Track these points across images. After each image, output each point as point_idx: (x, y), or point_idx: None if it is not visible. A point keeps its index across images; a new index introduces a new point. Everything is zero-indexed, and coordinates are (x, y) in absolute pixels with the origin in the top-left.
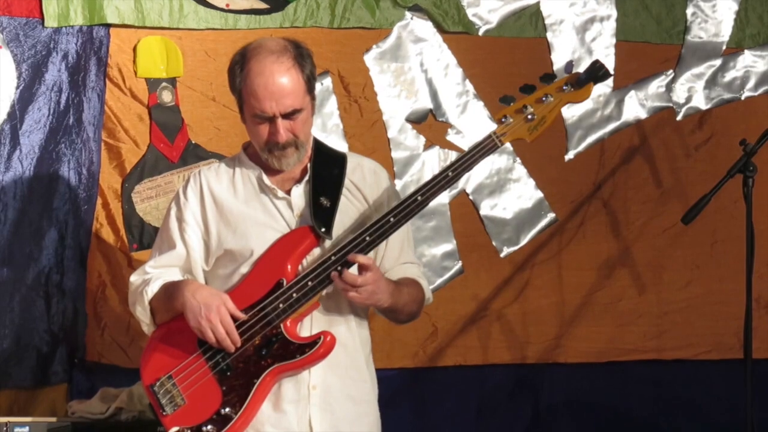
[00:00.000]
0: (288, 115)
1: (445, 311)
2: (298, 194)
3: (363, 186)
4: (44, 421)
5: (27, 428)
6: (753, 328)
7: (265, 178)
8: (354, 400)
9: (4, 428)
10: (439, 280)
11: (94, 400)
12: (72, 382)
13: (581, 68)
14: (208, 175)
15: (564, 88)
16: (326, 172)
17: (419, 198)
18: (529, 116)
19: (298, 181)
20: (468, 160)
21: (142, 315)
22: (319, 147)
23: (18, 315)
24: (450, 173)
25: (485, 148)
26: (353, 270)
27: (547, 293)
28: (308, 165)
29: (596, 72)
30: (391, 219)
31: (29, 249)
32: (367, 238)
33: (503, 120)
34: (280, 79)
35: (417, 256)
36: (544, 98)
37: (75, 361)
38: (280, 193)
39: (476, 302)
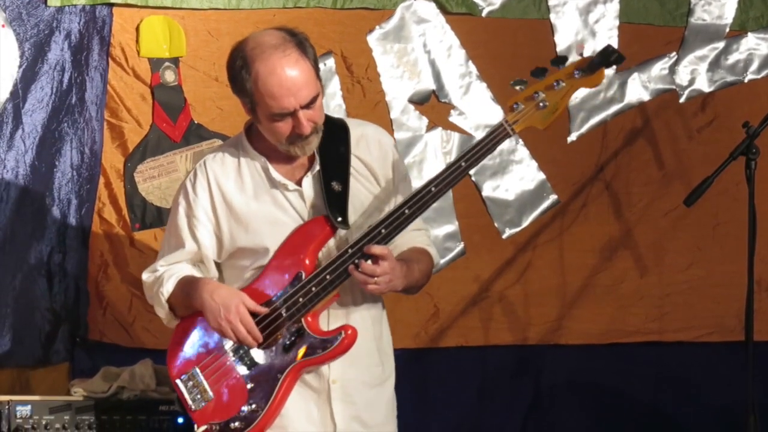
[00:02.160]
0: (307, 105)
1: (447, 292)
2: (309, 184)
3: (370, 161)
4: (46, 399)
5: (29, 407)
6: (754, 311)
7: (272, 171)
8: (369, 385)
9: (7, 407)
10: (441, 261)
11: (96, 379)
12: (74, 361)
13: (586, 51)
14: (215, 168)
15: (575, 73)
16: (333, 152)
17: (433, 189)
18: (541, 104)
19: (308, 168)
20: (481, 149)
21: (162, 313)
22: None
23: (20, 294)
24: (463, 163)
25: (498, 136)
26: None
27: (549, 275)
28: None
29: (608, 57)
30: (406, 211)
31: (31, 228)
32: (383, 231)
33: (515, 107)
34: (292, 73)
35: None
36: (555, 84)
37: (77, 340)
38: (291, 186)
39: (478, 283)
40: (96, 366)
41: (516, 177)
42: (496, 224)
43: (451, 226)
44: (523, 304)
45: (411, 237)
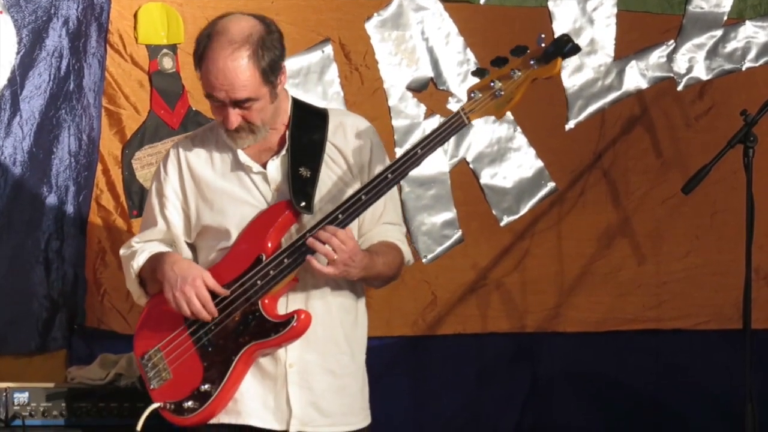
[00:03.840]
0: (239, 104)
1: (445, 280)
2: (275, 167)
3: (345, 148)
4: (43, 386)
5: (26, 393)
6: (752, 299)
7: (240, 153)
8: (334, 374)
9: (4, 393)
10: (439, 249)
11: (93, 366)
12: (71, 348)
13: (584, 38)
14: (186, 146)
15: (531, 62)
16: (306, 139)
17: (389, 176)
18: (497, 93)
19: (276, 152)
20: (437, 137)
21: (132, 287)
22: (298, 110)
23: (17, 281)
24: (419, 151)
25: (453, 125)
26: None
27: (547, 262)
28: (286, 134)
29: (563, 46)
30: (363, 197)
31: (29, 215)
32: (340, 216)
33: (472, 95)
34: (232, 72)
35: (401, 218)
36: (512, 73)
37: (74, 327)
38: (256, 168)
39: (476, 271)
40: (93, 353)
41: (514, 165)
42: (494, 212)
43: (449, 214)
44: (521, 292)
45: (383, 230)
